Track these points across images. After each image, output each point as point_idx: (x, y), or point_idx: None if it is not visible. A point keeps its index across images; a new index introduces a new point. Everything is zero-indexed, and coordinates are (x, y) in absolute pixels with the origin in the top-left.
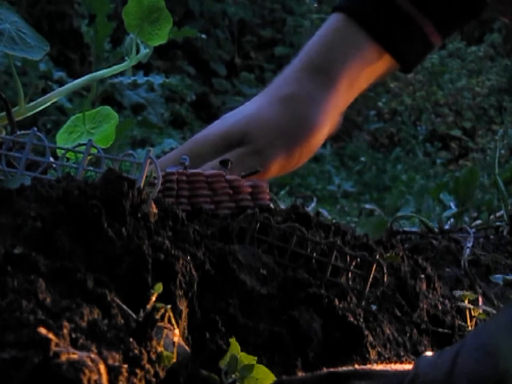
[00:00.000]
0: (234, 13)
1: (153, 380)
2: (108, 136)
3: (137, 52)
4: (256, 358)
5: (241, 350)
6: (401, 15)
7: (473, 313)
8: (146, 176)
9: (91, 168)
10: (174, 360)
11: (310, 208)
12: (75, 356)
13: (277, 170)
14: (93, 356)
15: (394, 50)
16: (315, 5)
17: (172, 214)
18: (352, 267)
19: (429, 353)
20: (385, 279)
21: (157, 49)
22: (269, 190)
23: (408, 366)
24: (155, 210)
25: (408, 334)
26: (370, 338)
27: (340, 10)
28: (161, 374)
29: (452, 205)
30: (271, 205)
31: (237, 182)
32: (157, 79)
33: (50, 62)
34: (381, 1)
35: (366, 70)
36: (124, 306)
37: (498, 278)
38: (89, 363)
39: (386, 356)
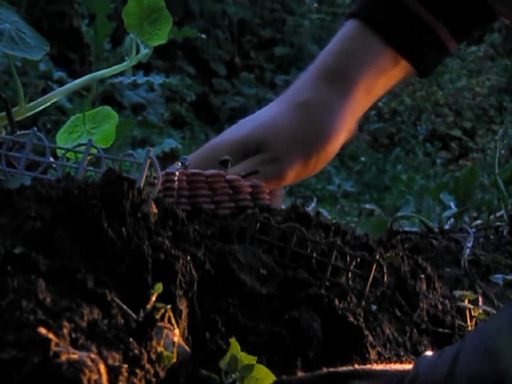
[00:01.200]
0: (234, 13)
1: (153, 379)
2: (108, 136)
3: (137, 52)
4: (256, 358)
5: (241, 350)
6: (417, 21)
7: (473, 313)
8: (146, 176)
9: (91, 168)
10: (174, 360)
11: (310, 208)
12: (75, 356)
13: (293, 177)
14: (93, 356)
15: (410, 56)
16: (315, 5)
17: (172, 214)
18: (352, 267)
19: (429, 353)
20: (385, 279)
21: (157, 49)
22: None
23: (408, 366)
24: (155, 210)
25: (408, 334)
26: (370, 338)
27: (355, 17)
28: (161, 374)
29: (452, 205)
30: (271, 205)
31: (237, 182)
32: (157, 79)
33: (50, 62)
34: (396, 8)
35: (383, 76)
36: (124, 306)
37: (498, 278)
38: (89, 363)
39: (386, 356)
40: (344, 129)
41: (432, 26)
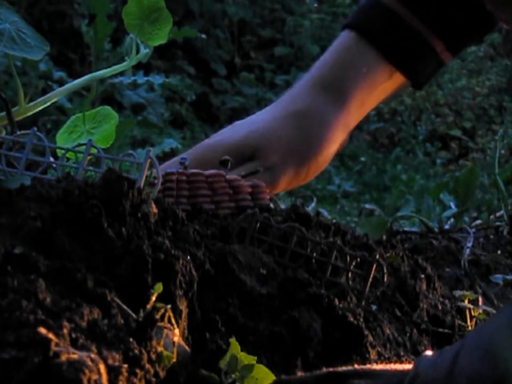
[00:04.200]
0: (234, 13)
1: (153, 379)
2: (108, 136)
3: (137, 51)
4: (256, 358)
5: (241, 350)
6: (412, 34)
7: (473, 313)
8: (146, 176)
9: (91, 168)
10: (174, 360)
11: (310, 208)
12: (75, 356)
13: (284, 186)
14: (93, 355)
15: (405, 69)
16: (315, 5)
17: (172, 214)
18: (352, 267)
19: (429, 353)
20: (385, 279)
21: (157, 49)
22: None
23: (408, 366)
24: (155, 210)
25: (408, 334)
26: (370, 338)
27: (351, 28)
28: (161, 374)
29: (452, 205)
30: (271, 205)
31: (237, 182)
32: (157, 79)
33: (50, 62)
34: (392, 20)
35: (377, 89)
36: (124, 306)
37: (498, 278)
38: (89, 363)
39: (386, 355)
40: (337, 141)
41: (428, 39)
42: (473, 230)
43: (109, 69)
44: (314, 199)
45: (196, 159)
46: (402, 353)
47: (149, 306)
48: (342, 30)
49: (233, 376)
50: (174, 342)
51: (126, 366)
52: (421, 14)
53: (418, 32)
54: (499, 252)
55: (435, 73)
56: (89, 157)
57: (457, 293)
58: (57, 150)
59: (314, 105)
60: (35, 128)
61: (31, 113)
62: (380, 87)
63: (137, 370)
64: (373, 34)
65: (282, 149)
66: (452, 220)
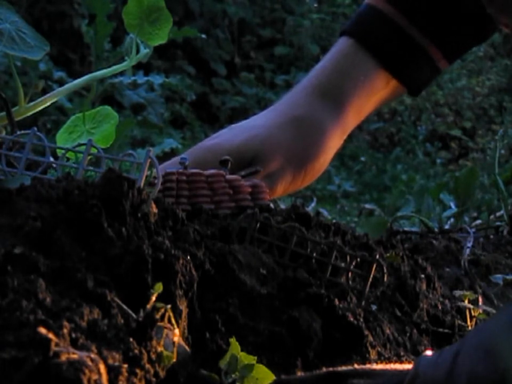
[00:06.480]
0: (234, 13)
1: (153, 379)
2: (107, 136)
3: (137, 51)
4: (256, 357)
5: (241, 350)
6: (410, 43)
7: (473, 313)
8: (146, 176)
9: (91, 168)
10: (174, 360)
11: (310, 208)
12: (75, 356)
13: (281, 192)
14: (93, 355)
15: (403, 77)
16: (315, 5)
17: (172, 214)
18: (352, 267)
19: (429, 353)
20: (385, 279)
21: (157, 49)
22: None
23: (408, 366)
24: (155, 210)
25: (408, 334)
26: (370, 338)
27: (350, 35)
28: (161, 374)
29: (452, 205)
30: (271, 205)
31: (237, 182)
32: (157, 79)
33: (50, 62)
34: (390, 29)
35: (374, 96)
36: (124, 306)
37: (498, 278)
38: (89, 363)
39: (386, 355)
40: (334, 148)
41: (426, 48)
42: (473, 230)
43: (109, 69)
44: (314, 199)
45: (195, 161)
46: (402, 353)
47: (149, 306)
48: (340, 36)
49: (233, 376)
50: (174, 342)
51: (126, 366)
52: (419, 22)
53: (416, 41)
54: (499, 252)
55: (432, 80)
56: (89, 157)
57: (457, 293)
58: (57, 150)
59: (312, 112)
60: (35, 128)
61: (31, 113)
62: (377, 94)
63: (137, 370)
64: (371, 43)
65: (282, 155)
66: (452, 219)
